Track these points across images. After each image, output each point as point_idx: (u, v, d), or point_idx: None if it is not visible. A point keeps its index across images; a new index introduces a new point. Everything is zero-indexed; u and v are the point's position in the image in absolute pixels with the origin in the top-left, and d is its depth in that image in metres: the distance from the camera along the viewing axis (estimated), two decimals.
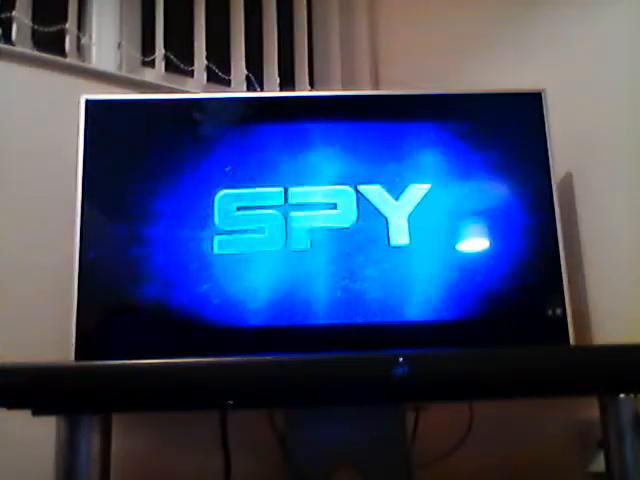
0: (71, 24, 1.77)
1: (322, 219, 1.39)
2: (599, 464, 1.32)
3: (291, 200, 1.39)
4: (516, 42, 1.70)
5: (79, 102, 1.41)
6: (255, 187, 1.40)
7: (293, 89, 2.05)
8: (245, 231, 1.37)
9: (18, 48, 1.65)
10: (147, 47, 1.88)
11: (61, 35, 1.76)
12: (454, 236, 1.41)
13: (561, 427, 1.49)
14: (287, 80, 2.07)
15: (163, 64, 1.87)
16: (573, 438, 1.46)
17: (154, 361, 1.09)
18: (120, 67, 1.81)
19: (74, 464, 1.13)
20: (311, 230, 1.38)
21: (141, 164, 1.40)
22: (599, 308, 1.46)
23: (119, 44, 1.83)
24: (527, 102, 1.47)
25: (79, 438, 1.13)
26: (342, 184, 1.41)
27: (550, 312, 1.37)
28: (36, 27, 1.71)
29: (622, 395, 1.20)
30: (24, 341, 1.43)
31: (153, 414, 1.43)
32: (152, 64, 1.87)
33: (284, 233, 1.37)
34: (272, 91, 1.99)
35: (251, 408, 1.40)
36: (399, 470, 1.35)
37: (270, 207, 1.39)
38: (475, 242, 1.41)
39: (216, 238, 1.37)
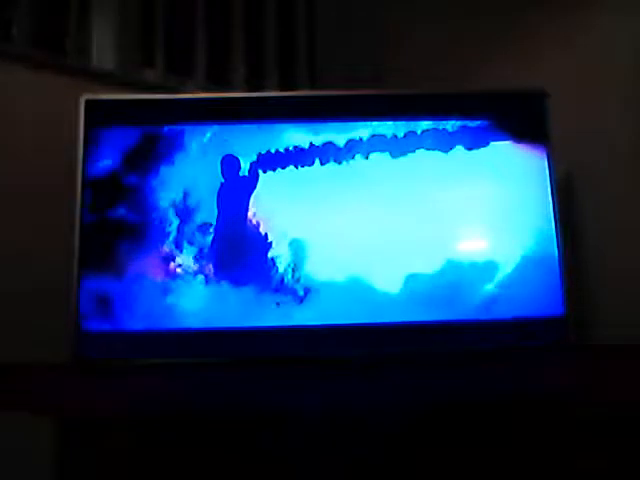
0: (71, 24, 1.77)
1: None
2: None
3: None
4: (518, 43, 1.70)
5: (79, 102, 1.41)
6: None
7: (293, 89, 2.06)
8: None
9: (18, 48, 1.65)
10: (147, 47, 1.87)
11: (61, 35, 1.76)
12: (453, 235, 1.41)
13: None
14: (287, 80, 2.07)
15: (163, 64, 1.87)
16: None
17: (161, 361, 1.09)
18: (120, 67, 1.81)
19: (74, 466, 1.13)
20: None
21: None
22: (599, 308, 1.46)
23: (119, 44, 1.82)
24: (529, 102, 1.47)
25: (79, 440, 1.13)
26: None
27: (550, 312, 1.37)
28: (36, 27, 1.71)
29: None
30: (24, 341, 1.43)
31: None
32: (152, 64, 1.87)
33: None
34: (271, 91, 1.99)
35: None
36: None
37: None
38: (475, 242, 1.41)
39: None
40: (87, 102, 1.42)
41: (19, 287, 1.51)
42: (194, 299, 1.34)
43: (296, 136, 1.42)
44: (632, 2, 1.49)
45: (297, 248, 1.38)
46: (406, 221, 1.40)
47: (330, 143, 1.42)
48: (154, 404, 1.30)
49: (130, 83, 1.75)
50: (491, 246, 1.40)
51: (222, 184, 1.40)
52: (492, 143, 1.44)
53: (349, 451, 1.36)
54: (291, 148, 1.42)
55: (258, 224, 1.39)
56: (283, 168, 1.41)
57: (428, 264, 1.38)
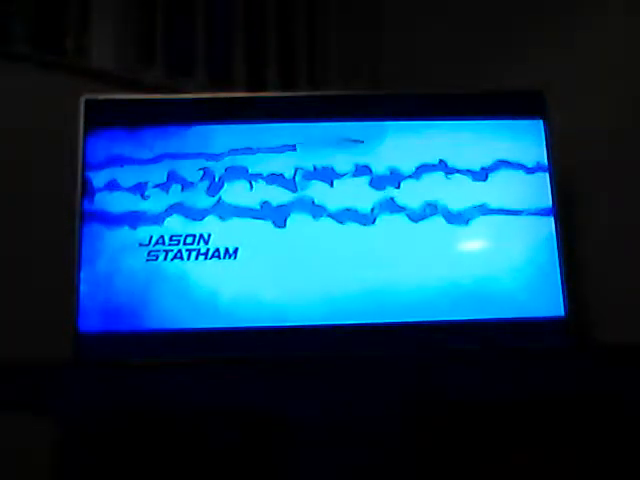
0: (71, 24, 1.77)
1: None
2: None
3: None
4: (518, 43, 1.70)
5: (79, 102, 1.41)
6: None
7: (294, 89, 2.06)
8: None
9: (18, 48, 1.65)
10: (147, 47, 1.88)
11: (61, 35, 1.76)
12: (453, 235, 1.41)
13: None
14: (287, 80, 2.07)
15: (163, 64, 1.87)
16: None
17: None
18: (120, 67, 1.81)
19: (74, 466, 1.13)
20: None
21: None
22: (599, 308, 1.46)
23: (119, 43, 1.83)
24: (529, 102, 1.47)
25: (79, 440, 1.13)
26: None
27: (550, 312, 1.37)
28: (36, 27, 1.71)
29: None
30: (24, 341, 1.43)
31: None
32: (152, 64, 1.87)
33: None
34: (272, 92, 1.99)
35: None
36: None
37: None
38: (474, 241, 1.41)
39: None
40: (87, 102, 1.42)
41: (19, 287, 1.51)
42: (193, 298, 1.35)
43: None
44: (632, 2, 1.49)
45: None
46: (405, 221, 1.40)
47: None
48: (153, 404, 1.30)
49: (130, 83, 1.76)
50: (491, 247, 1.40)
51: None
52: (491, 143, 1.45)
53: (348, 453, 1.36)
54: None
55: None
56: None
57: (428, 264, 1.38)
